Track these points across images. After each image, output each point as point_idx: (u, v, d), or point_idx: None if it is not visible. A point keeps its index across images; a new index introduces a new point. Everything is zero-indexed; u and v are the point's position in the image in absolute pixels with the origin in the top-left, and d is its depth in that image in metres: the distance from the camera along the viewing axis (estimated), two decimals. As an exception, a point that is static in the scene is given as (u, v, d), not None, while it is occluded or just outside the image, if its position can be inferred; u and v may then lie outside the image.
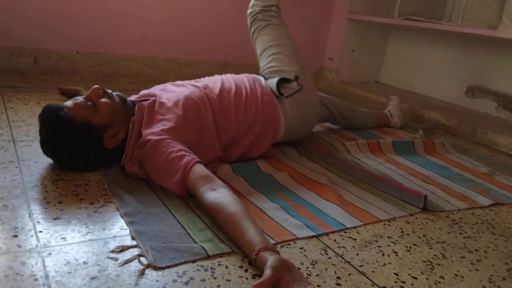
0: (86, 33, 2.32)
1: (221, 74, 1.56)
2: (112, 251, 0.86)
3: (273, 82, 1.55)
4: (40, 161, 1.24)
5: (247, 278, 0.84)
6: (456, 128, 2.26)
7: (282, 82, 1.55)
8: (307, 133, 1.70)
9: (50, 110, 1.17)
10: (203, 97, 1.34)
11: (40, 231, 0.90)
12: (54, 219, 0.95)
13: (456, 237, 1.14)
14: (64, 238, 0.89)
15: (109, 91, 1.27)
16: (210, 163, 1.30)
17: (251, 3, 1.80)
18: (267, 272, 0.77)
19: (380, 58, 3.20)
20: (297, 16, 2.93)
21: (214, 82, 1.46)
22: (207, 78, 1.52)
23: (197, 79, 1.49)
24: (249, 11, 1.79)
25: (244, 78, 1.53)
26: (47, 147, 1.19)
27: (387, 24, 2.88)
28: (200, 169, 1.10)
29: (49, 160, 1.24)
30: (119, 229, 0.95)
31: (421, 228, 1.16)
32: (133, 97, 1.39)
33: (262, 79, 1.60)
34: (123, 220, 0.99)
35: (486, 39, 2.48)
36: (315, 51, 3.11)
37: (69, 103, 1.20)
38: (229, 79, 1.50)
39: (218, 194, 1.01)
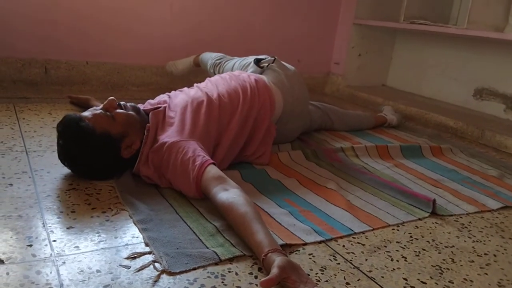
0: (95, 43, 2.36)
1: None
2: (126, 258, 0.88)
3: (250, 63, 1.77)
4: (53, 171, 1.26)
5: (256, 285, 0.85)
6: (464, 131, 2.25)
7: (257, 61, 1.74)
8: (306, 112, 1.80)
9: (71, 121, 1.20)
10: (206, 95, 1.41)
11: (54, 240, 0.92)
12: (68, 228, 0.97)
13: (465, 241, 1.14)
14: (77, 247, 0.91)
15: (123, 102, 1.32)
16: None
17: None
18: (274, 270, 0.80)
19: (387, 62, 3.20)
20: (303, 22, 2.95)
21: (219, 83, 1.53)
22: (204, 83, 1.59)
23: (201, 83, 1.57)
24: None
25: (239, 78, 1.61)
26: (65, 157, 1.22)
27: (393, 28, 2.88)
28: (214, 170, 1.13)
29: (62, 170, 1.27)
30: (130, 237, 0.97)
31: (430, 233, 1.16)
32: (143, 107, 1.43)
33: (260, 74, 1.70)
34: (134, 228, 1.00)
35: (493, 42, 2.47)
36: (322, 56, 3.12)
37: (88, 113, 1.23)
38: (221, 75, 1.63)
39: (230, 195, 1.04)
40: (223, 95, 1.45)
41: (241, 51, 2.77)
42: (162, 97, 1.47)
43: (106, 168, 1.24)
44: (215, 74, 2.01)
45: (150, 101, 1.47)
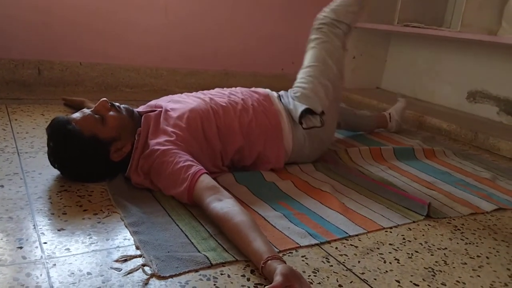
0: (89, 44, 2.35)
1: (223, 83, 1.56)
2: (116, 261, 0.87)
3: (297, 108, 1.50)
4: (44, 172, 1.25)
5: (249, 287, 0.84)
6: (458, 134, 2.26)
7: (307, 111, 1.50)
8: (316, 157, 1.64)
9: (59, 124, 1.19)
10: (208, 111, 1.34)
11: (45, 242, 0.91)
12: (59, 230, 0.97)
13: (457, 243, 1.14)
14: (68, 249, 0.90)
15: (117, 104, 1.29)
16: (212, 172, 1.31)
17: (326, 9, 1.68)
18: (278, 278, 0.79)
19: (381, 65, 3.21)
20: (297, 24, 2.95)
21: (221, 95, 1.45)
22: (215, 90, 1.51)
23: (205, 91, 1.48)
24: (319, 15, 1.69)
25: (255, 95, 1.51)
26: (54, 159, 1.22)
27: (388, 31, 2.89)
28: (207, 180, 1.11)
29: (53, 172, 1.26)
30: (122, 240, 0.96)
31: (423, 235, 1.16)
32: (140, 108, 1.41)
33: (275, 96, 1.56)
34: (126, 231, 1.00)
35: (486, 44, 2.49)
36: (316, 58, 3.12)
37: (77, 115, 1.22)
38: (237, 93, 1.49)
39: (224, 204, 1.02)
40: (226, 118, 1.36)
41: (236, 52, 2.78)
42: (165, 99, 1.43)
43: (95, 171, 1.23)
44: (311, 32, 1.69)
45: (151, 102, 1.43)
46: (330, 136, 1.63)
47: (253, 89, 1.56)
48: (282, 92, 1.62)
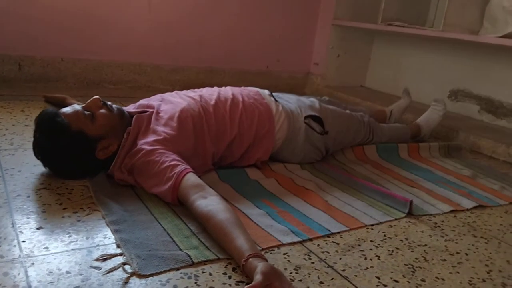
0: (71, 40, 2.31)
1: (207, 80, 1.56)
2: (96, 260, 0.86)
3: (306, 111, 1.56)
4: (24, 170, 1.23)
5: (230, 285, 0.84)
6: (439, 131, 2.29)
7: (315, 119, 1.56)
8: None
9: (47, 115, 1.18)
10: (199, 110, 1.34)
11: (23, 241, 0.90)
12: (37, 228, 0.95)
13: (437, 240, 1.15)
14: (47, 247, 0.89)
15: (109, 103, 1.28)
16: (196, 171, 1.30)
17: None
18: (258, 277, 0.79)
19: (365, 63, 3.24)
20: (283, 22, 2.96)
21: (211, 93, 1.45)
22: (205, 89, 1.51)
23: (195, 90, 1.48)
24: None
25: (244, 91, 1.52)
26: (38, 151, 1.20)
27: (371, 29, 2.91)
28: (192, 178, 1.11)
29: (33, 169, 1.24)
30: (102, 238, 0.95)
31: (403, 232, 1.17)
32: (131, 107, 1.40)
33: (266, 93, 1.57)
34: (106, 229, 0.99)
35: (468, 44, 2.52)
36: (301, 56, 3.13)
37: (67, 109, 1.21)
38: (228, 90, 1.50)
39: (208, 202, 1.02)
40: (216, 115, 1.36)
41: (221, 49, 2.77)
42: (156, 98, 1.41)
43: (78, 167, 1.21)
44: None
45: (142, 101, 1.42)
46: (323, 151, 1.62)
47: (243, 87, 1.57)
48: (278, 94, 1.64)
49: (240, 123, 1.40)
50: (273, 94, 1.61)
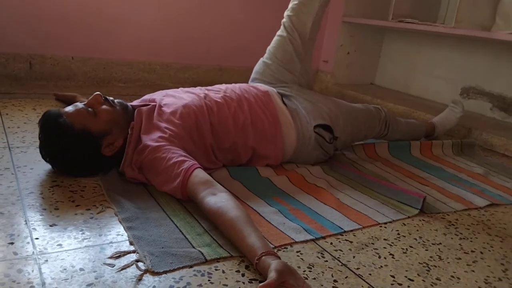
0: (81, 38, 2.32)
1: (216, 78, 1.54)
2: (110, 257, 0.86)
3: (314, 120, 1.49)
4: (36, 167, 1.24)
5: (244, 283, 0.84)
6: (451, 129, 2.27)
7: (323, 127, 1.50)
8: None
9: (50, 117, 1.18)
10: (202, 107, 1.32)
11: (37, 238, 0.90)
12: (51, 225, 0.95)
13: (452, 238, 1.14)
14: (60, 244, 0.89)
15: (111, 98, 1.27)
16: (207, 168, 1.30)
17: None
18: (272, 275, 0.78)
19: (375, 60, 3.21)
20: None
21: (217, 91, 1.42)
22: (212, 86, 1.48)
23: (201, 87, 1.46)
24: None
25: (253, 90, 1.47)
26: (45, 153, 1.20)
27: (382, 26, 2.89)
28: (200, 174, 1.10)
29: (45, 167, 1.24)
30: (115, 235, 0.95)
31: (417, 230, 1.16)
32: (135, 102, 1.40)
33: (275, 93, 1.53)
34: (119, 226, 0.98)
35: (480, 40, 2.49)
36: (310, 54, 3.12)
37: (69, 109, 1.21)
38: (235, 88, 1.46)
39: (218, 199, 1.01)
40: (220, 114, 1.34)
41: (230, 47, 2.76)
42: (160, 94, 1.40)
43: (86, 165, 1.21)
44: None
45: (146, 96, 1.41)
46: (332, 153, 1.59)
47: (252, 84, 1.54)
48: (288, 91, 1.58)
49: (243, 127, 1.36)
50: (283, 94, 1.56)
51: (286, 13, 1.75)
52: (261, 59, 1.76)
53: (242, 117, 1.37)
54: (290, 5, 1.75)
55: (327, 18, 3.08)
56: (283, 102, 1.52)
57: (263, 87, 1.53)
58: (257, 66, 1.75)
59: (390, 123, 1.77)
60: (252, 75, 1.75)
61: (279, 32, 1.76)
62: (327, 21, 3.08)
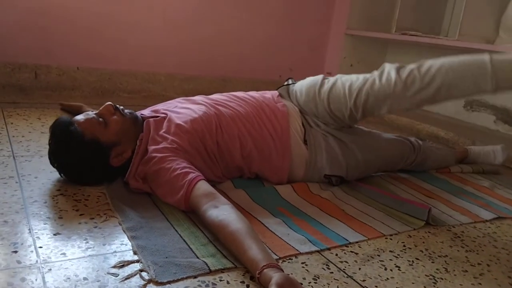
0: (87, 49, 2.34)
1: (220, 89, 1.51)
2: (113, 266, 0.86)
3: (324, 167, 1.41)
4: (40, 176, 1.24)
5: (249, 294, 0.83)
6: (455, 142, 2.26)
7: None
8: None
9: (61, 124, 1.19)
10: (210, 123, 1.28)
11: (40, 247, 0.89)
12: (54, 234, 0.95)
13: (458, 250, 1.13)
14: (64, 253, 0.88)
15: (121, 107, 1.27)
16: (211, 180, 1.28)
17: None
18: None
19: (379, 73, 3.22)
20: (296, 31, 2.96)
21: (227, 107, 1.36)
22: (224, 97, 1.43)
23: (213, 97, 1.42)
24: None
25: (265, 107, 1.40)
26: (54, 159, 1.21)
27: (385, 39, 2.90)
28: (204, 186, 1.09)
29: (49, 176, 1.24)
30: (119, 245, 0.94)
31: (423, 242, 1.15)
32: (145, 111, 1.39)
33: (298, 125, 1.42)
34: (123, 236, 0.98)
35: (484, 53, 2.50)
36: (314, 65, 3.13)
37: (80, 117, 1.22)
38: (248, 102, 1.40)
39: (220, 212, 1.00)
40: (228, 133, 1.30)
41: (234, 58, 2.78)
42: (171, 104, 1.38)
43: (93, 174, 1.22)
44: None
45: (157, 107, 1.40)
46: None
47: (275, 103, 1.43)
48: (316, 128, 1.44)
49: (250, 155, 1.33)
50: (309, 125, 1.43)
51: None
52: (317, 86, 1.44)
53: (249, 147, 1.32)
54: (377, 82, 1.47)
55: (330, 30, 3.10)
56: (304, 140, 1.41)
57: (285, 113, 1.40)
58: (309, 88, 1.44)
59: (416, 164, 1.68)
60: (297, 86, 1.48)
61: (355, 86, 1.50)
62: (330, 33, 3.10)
